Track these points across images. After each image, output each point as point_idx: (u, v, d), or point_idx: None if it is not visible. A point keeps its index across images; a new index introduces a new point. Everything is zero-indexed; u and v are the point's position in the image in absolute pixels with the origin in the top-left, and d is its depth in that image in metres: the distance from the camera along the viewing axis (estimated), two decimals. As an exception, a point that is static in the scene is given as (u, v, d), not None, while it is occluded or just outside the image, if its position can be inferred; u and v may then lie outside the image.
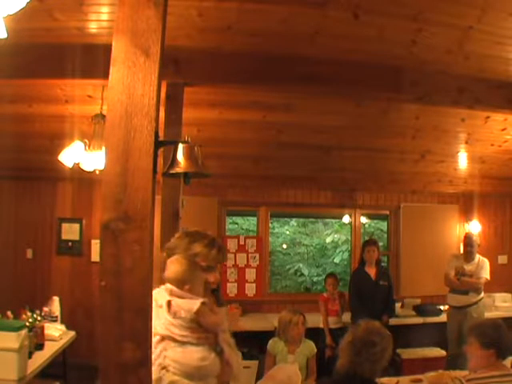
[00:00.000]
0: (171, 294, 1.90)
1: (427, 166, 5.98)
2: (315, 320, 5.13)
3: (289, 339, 3.74)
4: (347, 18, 3.26)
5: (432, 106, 4.47)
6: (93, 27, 3.38)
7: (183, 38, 3.45)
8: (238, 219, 10.49)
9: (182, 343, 1.84)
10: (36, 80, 3.87)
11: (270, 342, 3.85)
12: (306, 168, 5.95)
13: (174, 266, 1.96)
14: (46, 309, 4.39)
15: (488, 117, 4.83)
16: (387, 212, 6.97)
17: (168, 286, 1.92)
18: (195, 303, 1.88)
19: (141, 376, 1.47)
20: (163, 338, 1.84)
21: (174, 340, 1.84)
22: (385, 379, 3.53)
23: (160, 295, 1.90)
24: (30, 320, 3.72)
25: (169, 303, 1.86)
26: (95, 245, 5.90)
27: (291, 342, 3.71)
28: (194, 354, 1.84)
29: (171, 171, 1.81)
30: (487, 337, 2.51)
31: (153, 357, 1.65)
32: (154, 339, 1.75)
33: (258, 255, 6.42)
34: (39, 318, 3.87)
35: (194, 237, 2.07)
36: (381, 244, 6.29)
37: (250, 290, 6.33)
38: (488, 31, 3.37)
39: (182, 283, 1.92)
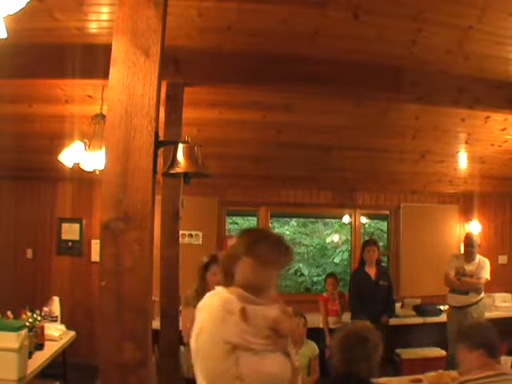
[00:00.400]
0: (245, 300, 1.75)
1: (427, 166, 5.98)
2: (315, 320, 5.12)
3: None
4: (347, 18, 3.26)
5: (432, 105, 4.46)
6: (93, 27, 3.37)
7: (183, 37, 3.44)
8: (238, 219, 10.48)
9: (257, 351, 1.72)
10: (36, 80, 3.87)
11: None
12: (306, 168, 5.94)
13: (246, 271, 1.80)
14: (45, 309, 4.39)
15: (488, 117, 4.83)
16: (387, 212, 6.97)
17: (240, 291, 1.77)
18: (273, 309, 1.76)
19: (141, 376, 1.47)
20: (235, 347, 1.70)
21: (249, 348, 1.71)
22: (384, 379, 3.53)
23: (229, 301, 1.75)
24: (30, 320, 3.72)
25: (243, 310, 1.73)
26: (95, 245, 5.90)
27: (292, 343, 3.70)
28: (271, 362, 1.74)
29: (171, 171, 1.81)
30: (474, 338, 2.52)
31: (222, 368, 1.61)
32: (224, 348, 1.66)
33: (257, 255, 6.41)
34: (39, 318, 3.87)
35: (257, 237, 1.94)
36: (381, 244, 6.28)
37: (250, 290, 6.33)
38: (488, 31, 3.37)
39: (256, 288, 1.78)
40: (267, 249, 1.85)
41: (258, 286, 1.79)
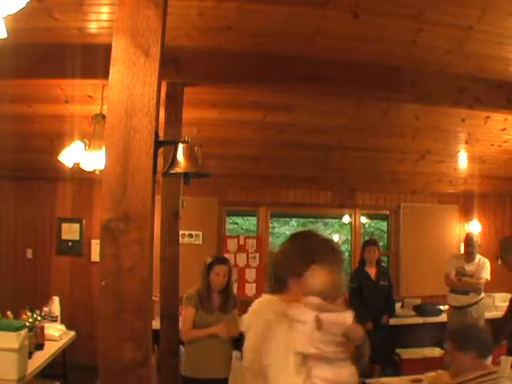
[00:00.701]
0: (321, 308, 1.68)
1: (427, 166, 5.98)
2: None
3: None
4: (347, 17, 3.26)
5: (432, 105, 4.46)
6: (93, 27, 3.37)
7: (183, 37, 3.44)
8: (238, 219, 10.49)
9: (331, 360, 1.65)
10: (36, 80, 3.87)
11: None
12: (306, 168, 5.94)
13: (321, 278, 1.73)
14: (46, 309, 4.39)
15: (488, 117, 4.83)
16: (387, 212, 6.97)
17: (316, 299, 1.69)
18: (347, 316, 1.70)
19: (141, 376, 1.47)
20: (305, 357, 1.63)
21: (322, 358, 1.64)
22: (385, 379, 3.53)
23: (298, 309, 1.68)
24: (30, 320, 3.72)
25: (318, 319, 1.65)
26: (95, 245, 5.90)
27: None
28: (345, 370, 1.67)
29: (171, 171, 1.81)
30: (465, 341, 2.54)
31: (296, 381, 1.54)
32: (296, 360, 1.59)
33: (257, 255, 6.42)
34: (39, 318, 3.87)
35: (319, 242, 1.87)
36: (381, 244, 6.29)
37: (250, 290, 6.33)
38: (488, 31, 3.37)
39: (330, 295, 1.71)
40: (332, 254, 1.82)
41: (335, 293, 1.73)
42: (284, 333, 1.63)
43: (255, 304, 1.82)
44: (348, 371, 1.66)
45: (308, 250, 1.79)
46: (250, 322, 1.78)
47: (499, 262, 5.31)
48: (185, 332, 3.61)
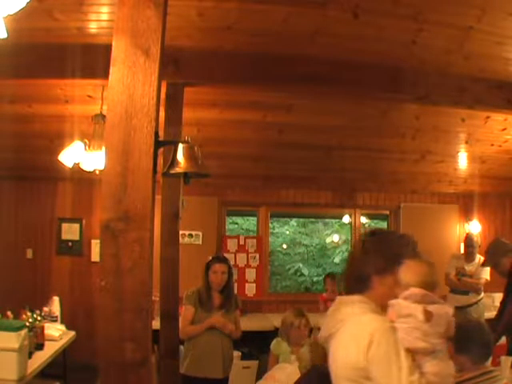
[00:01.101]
0: (422, 300, 1.62)
1: (427, 166, 5.98)
2: (315, 320, 5.12)
3: (291, 341, 3.73)
4: (347, 17, 3.26)
5: (432, 105, 4.46)
6: (93, 27, 3.37)
7: (183, 37, 3.44)
8: (238, 219, 10.49)
9: (436, 353, 1.58)
10: (36, 80, 3.86)
11: (274, 342, 3.83)
12: (306, 168, 5.94)
13: (420, 268, 1.70)
14: (46, 309, 4.39)
15: (488, 117, 4.83)
16: (387, 212, 6.97)
17: (419, 290, 1.63)
18: (447, 307, 1.65)
19: (141, 376, 1.47)
20: (415, 353, 1.55)
21: (430, 352, 1.56)
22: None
23: (399, 304, 1.61)
24: (30, 320, 3.71)
25: (426, 311, 1.59)
26: (95, 245, 5.90)
27: (294, 343, 3.70)
28: (450, 362, 1.60)
29: (171, 171, 1.81)
30: (464, 341, 2.53)
31: (410, 379, 1.44)
32: (407, 357, 1.50)
33: (257, 255, 6.42)
34: (39, 318, 3.87)
35: (392, 236, 1.87)
36: (381, 244, 6.27)
37: (250, 290, 6.33)
38: (488, 31, 3.37)
39: (432, 286, 1.67)
40: (414, 247, 1.80)
41: (434, 284, 1.69)
42: (389, 331, 1.54)
43: (336, 306, 1.72)
44: (451, 363, 1.61)
45: (391, 245, 1.76)
46: (335, 325, 1.67)
47: (488, 267, 5.20)
48: (182, 329, 3.61)
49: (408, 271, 1.68)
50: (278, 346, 3.78)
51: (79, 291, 5.83)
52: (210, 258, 3.87)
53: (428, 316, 1.58)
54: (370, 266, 1.71)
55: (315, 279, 10.59)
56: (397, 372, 1.47)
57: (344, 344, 1.60)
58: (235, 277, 6.18)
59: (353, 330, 1.60)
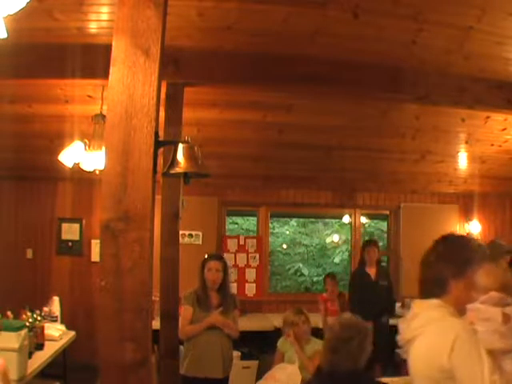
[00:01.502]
0: (499, 303, 1.69)
1: (427, 166, 5.98)
2: (315, 320, 5.12)
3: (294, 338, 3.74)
4: (347, 17, 3.26)
5: (432, 105, 4.46)
6: (93, 27, 3.37)
7: (183, 37, 3.44)
8: (238, 219, 10.49)
9: (505, 353, 1.66)
10: (36, 80, 3.86)
11: (280, 339, 3.88)
12: (306, 168, 5.95)
13: (496, 272, 1.77)
14: (46, 309, 4.39)
15: (488, 117, 4.83)
16: (387, 212, 6.97)
17: (494, 294, 1.70)
18: None
19: (141, 376, 1.47)
20: (494, 355, 1.60)
21: (506, 352, 1.65)
22: (385, 379, 3.52)
23: (479, 308, 1.69)
24: (30, 320, 3.71)
25: (504, 313, 1.67)
26: (95, 245, 5.90)
27: (297, 339, 3.71)
28: None
29: (171, 171, 1.81)
30: None
31: (492, 379, 1.49)
32: (489, 359, 1.54)
33: (257, 255, 6.42)
34: (39, 318, 3.87)
35: (464, 240, 1.91)
36: (381, 244, 6.29)
37: (250, 290, 6.33)
38: (488, 31, 3.37)
39: (508, 289, 1.74)
40: (484, 252, 1.81)
41: (508, 287, 1.75)
42: (471, 334, 1.60)
43: (416, 310, 1.77)
44: None
45: (464, 249, 1.81)
46: (417, 329, 1.72)
47: None
48: (181, 329, 3.61)
49: (486, 275, 1.72)
50: (283, 343, 3.81)
51: (79, 291, 5.83)
52: (206, 256, 3.87)
53: (506, 318, 1.64)
54: (447, 271, 1.76)
55: (315, 279, 10.59)
56: (480, 372, 1.52)
57: (429, 346, 1.67)
58: (235, 277, 6.20)
59: (436, 334, 1.65)
